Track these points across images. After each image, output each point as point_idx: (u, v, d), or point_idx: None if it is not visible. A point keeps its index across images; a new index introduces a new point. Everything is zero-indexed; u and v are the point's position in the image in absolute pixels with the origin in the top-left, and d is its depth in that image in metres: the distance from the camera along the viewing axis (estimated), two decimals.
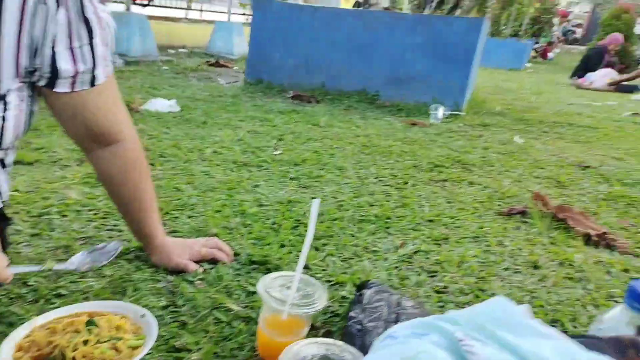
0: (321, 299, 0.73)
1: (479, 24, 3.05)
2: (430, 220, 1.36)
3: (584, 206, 1.64)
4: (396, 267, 1.08)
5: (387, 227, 1.30)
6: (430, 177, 1.82)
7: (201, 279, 0.93)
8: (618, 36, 7.44)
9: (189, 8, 8.54)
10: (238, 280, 0.95)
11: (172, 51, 5.88)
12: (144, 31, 4.69)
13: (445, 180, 1.80)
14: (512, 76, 7.52)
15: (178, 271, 0.95)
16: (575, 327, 0.90)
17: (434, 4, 3.72)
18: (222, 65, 5.02)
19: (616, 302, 0.99)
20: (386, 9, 3.60)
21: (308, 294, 0.74)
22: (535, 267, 1.14)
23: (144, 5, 6.98)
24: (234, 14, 7.59)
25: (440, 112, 3.13)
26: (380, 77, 3.40)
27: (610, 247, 1.26)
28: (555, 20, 15.28)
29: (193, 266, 0.96)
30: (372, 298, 0.80)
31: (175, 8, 8.17)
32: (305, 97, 3.44)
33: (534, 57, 13.00)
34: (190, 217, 1.26)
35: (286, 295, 0.71)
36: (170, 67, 4.45)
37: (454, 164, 2.02)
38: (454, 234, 1.29)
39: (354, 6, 8.31)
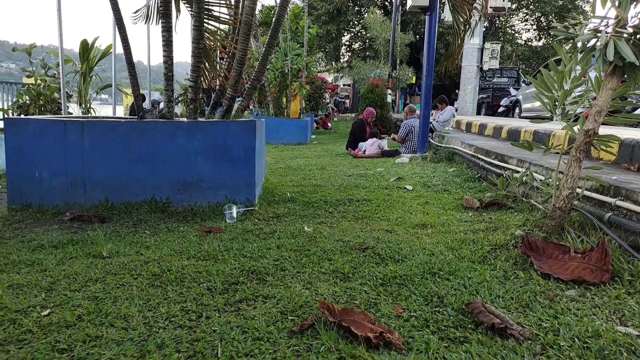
0: None
1: (252, 126, 3.25)
2: None
3: (366, 298, 1.80)
4: None
5: None
6: (225, 300, 1.78)
7: None
8: (371, 109, 8.89)
9: None
10: None
11: None
12: None
13: (240, 302, 1.77)
14: (299, 152, 8.23)
15: None
16: None
17: (208, 109, 3.86)
18: None
19: None
20: (162, 116, 3.57)
21: None
22: None
23: None
24: None
25: (234, 211, 3.17)
26: (168, 184, 3.30)
27: (387, 346, 1.39)
28: (327, 94, 17.60)
29: None
30: None
31: None
32: (86, 217, 3.11)
33: (317, 128, 14.60)
34: None
35: None
36: None
37: (249, 277, 2.03)
38: None
39: (131, 113, 8.06)
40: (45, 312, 1.67)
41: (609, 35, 2.13)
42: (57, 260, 2.25)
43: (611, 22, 2.19)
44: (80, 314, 1.64)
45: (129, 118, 4.41)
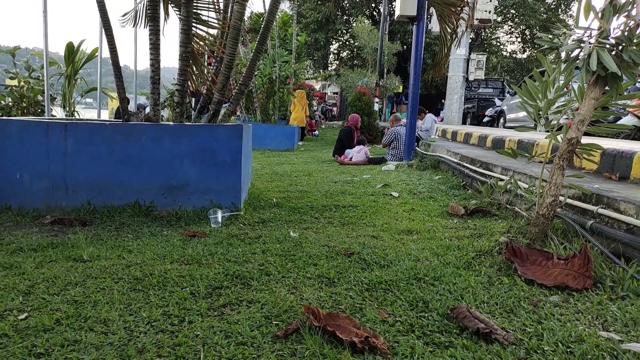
0: None
1: (239, 131, 3.24)
2: None
3: (352, 303, 1.79)
4: None
5: None
6: (208, 304, 1.75)
7: None
8: (356, 116, 8.94)
9: None
10: None
11: None
12: None
13: (224, 306, 1.75)
14: (286, 158, 8.21)
15: None
16: None
17: (195, 113, 3.84)
18: None
19: None
20: (148, 120, 3.53)
21: None
22: None
23: None
24: None
25: (219, 215, 3.14)
26: (152, 188, 3.26)
27: (372, 350, 1.38)
28: (314, 102, 17.64)
29: None
30: None
31: None
32: (67, 220, 3.05)
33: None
34: None
35: None
36: None
37: (233, 282, 2.00)
38: None
39: (116, 117, 8.00)
40: (23, 316, 1.62)
41: (592, 45, 2.17)
42: (36, 264, 2.19)
43: (594, 33, 2.24)
44: (59, 318, 1.60)
45: (114, 121, 4.36)
